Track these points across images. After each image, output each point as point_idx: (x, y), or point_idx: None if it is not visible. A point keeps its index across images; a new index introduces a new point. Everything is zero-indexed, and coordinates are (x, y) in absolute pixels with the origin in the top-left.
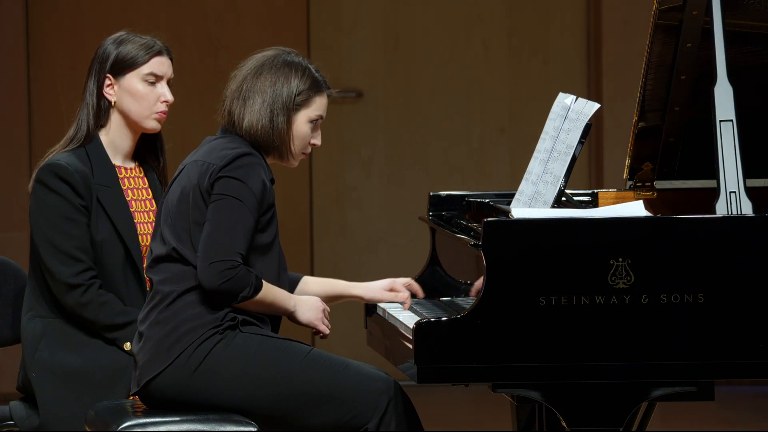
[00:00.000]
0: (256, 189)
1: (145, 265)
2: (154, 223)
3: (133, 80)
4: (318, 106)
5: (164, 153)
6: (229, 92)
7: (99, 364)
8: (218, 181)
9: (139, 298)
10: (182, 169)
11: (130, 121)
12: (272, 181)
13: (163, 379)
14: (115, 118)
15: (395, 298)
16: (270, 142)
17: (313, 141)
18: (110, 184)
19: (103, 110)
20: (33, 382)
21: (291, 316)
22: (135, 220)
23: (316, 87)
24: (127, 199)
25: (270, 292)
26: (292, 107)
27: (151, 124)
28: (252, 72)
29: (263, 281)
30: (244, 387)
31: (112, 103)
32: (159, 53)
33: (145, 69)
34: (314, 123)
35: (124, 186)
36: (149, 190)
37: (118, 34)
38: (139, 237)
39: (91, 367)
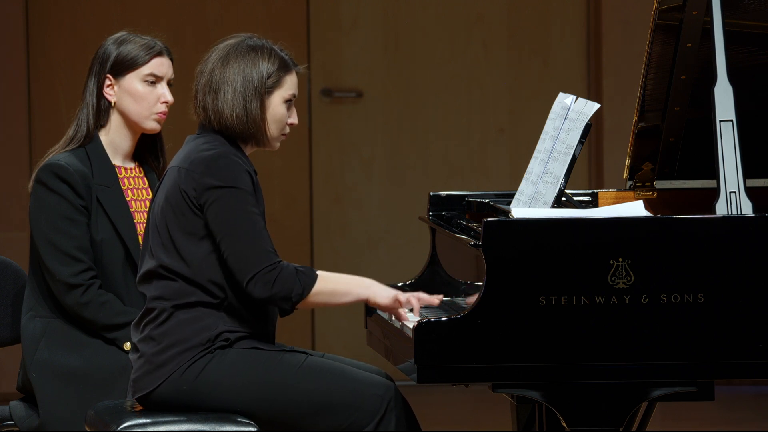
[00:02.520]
0: (246, 186)
1: (137, 278)
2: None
3: (133, 81)
4: (290, 85)
5: (164, 153)
6: (200, 87)
7: (99, 364)
8: (208, 192)
9: (139, 298)
10: (165, 173)
11: (129, 122)
12: (255, 172)
13: (158, 394)
14: (114, 118)
15: (399, 314)
16: (246, 130)
17: (290, 121)
18: (110, 184)
19: (103, 110)
20: (33, 382)
21: (369, 298)
22: (135, 220)
23: (284, 67)
24: (127, 199)
25: (331, 280)
26: (264, 91)
27: (151, 125)
28: (218, 63)
29: (318, 272)
30: (240, 399)
31: (112, 104)
32: (159, 54)
33: (146, 69)
34: (289, 103)
35: (124, 186)
36: (149, 190)
37: (118, 34)
38: (139, 237)
39: (91, 367)
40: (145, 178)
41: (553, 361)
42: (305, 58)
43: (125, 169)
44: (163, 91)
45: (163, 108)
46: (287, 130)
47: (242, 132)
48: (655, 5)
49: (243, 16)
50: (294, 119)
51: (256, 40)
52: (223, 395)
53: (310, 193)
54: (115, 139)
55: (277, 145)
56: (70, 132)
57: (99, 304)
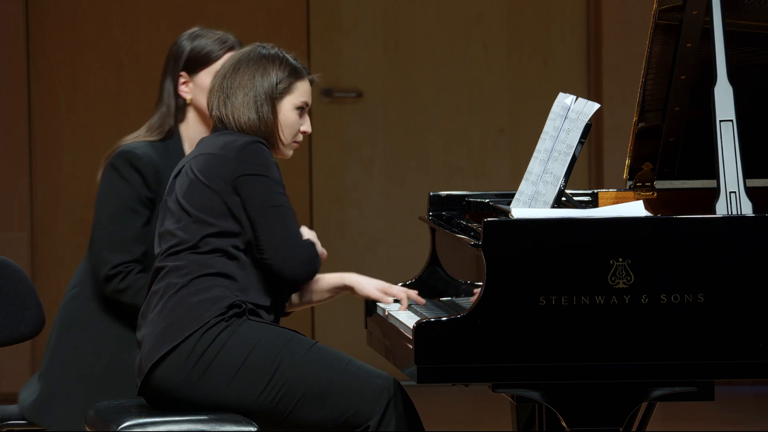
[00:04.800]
0: (278, 175)
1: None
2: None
3: (207, 77)
4: (301, 92)
5: None
6: (212, 94)
7: (119, 369)
8: (243, 179)
9: None
10: (181, 168)
11: (205, 117)
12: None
13: (166, 366)
14: (191, 113)
15: (383, 299)
16: (259, 135)
17: (303, 129)
18: None
19: (180, 108)
20: (46, 359)
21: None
22: None
23: (295, 73)
24: None
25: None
26: (275, 96)
27: None
28: (230, 70)
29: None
30: (245, 377)
31: (188, 100)
32: (231, 48)
33: (219, 64)
34: (301, 110)
35: None
36: None
37: (192, 30)
38: None
39: (109, 372)
40: None
41: (553, 361)
42: (305, 58)
43: None
44: None
45: None
46: (300, 137)
47: (256, 135)
48: (655, 5)
49: (243, 16)
50: (307, 127)
51: (269, 48)
52: (228, 374)
53: (310, 193)
54: (191, 135)
55: (290, 153)
56: (155, 120)
57: (137, 288)
